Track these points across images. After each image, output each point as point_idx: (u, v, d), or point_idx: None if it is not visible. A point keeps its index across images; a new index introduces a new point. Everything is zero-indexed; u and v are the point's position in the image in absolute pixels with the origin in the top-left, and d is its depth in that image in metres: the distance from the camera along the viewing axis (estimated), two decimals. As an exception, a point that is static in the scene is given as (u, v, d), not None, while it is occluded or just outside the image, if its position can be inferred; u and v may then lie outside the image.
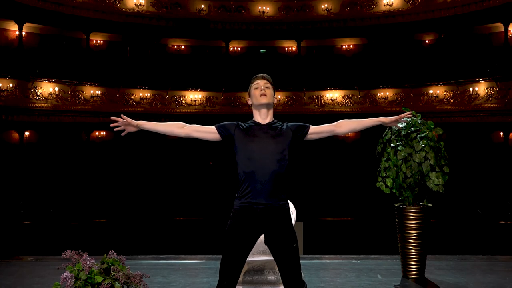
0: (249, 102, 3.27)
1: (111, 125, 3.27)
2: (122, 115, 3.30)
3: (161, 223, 15.39)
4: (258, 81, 3.27)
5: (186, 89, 20.91)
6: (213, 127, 3.27)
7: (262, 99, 3.19)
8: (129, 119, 3.26)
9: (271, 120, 3.24)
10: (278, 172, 3.13)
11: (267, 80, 3.28)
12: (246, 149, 3.14)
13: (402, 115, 3.45)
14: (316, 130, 3.29)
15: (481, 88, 18.35)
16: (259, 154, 3.11)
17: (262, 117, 3.22)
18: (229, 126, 3.24)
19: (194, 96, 20.90)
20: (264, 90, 3.21)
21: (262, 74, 3.31)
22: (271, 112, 3.24)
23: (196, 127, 3.29)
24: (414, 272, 5.18)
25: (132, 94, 20.30)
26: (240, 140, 3.16)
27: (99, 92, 19.64)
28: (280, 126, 3.23)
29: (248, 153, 3.13)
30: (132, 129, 3.27)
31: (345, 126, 3.32)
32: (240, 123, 3.26)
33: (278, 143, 3.15)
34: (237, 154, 3.18)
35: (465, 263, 5.90)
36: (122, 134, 3.29)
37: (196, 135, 3.28)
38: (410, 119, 5.22)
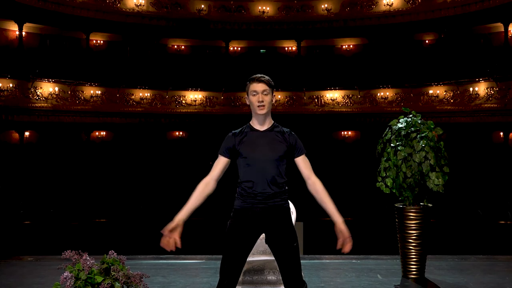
0: (247, 102, 3.26)
1: (163, 245, 3.14)
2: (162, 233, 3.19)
3: (161, 223, 15.37)
4: (256, 86, 3.17)
5: (186, 89, 20.89)
6: (220, 156, 3.22)
7: (260, 110, 3.16)
8: (169, 229, 3.21)
9: (269, 126, 3.23)
10: (278, 175, 3.16)
11: (265, 83, 3.17)
12: (246, 155, 3.15)
13: (342, 244, 3.19)
14: (300, 163, 3.23)
15: (481, 88, 18.34)
16: (258, 160, 3.13)
17: (260, 123, 3.22)
18: (227, 143, 3.21)
19: (194, 96, 20.89)
20: (262, 100, 3.14)
21: (259, 76, 3.19)
22: (269, 117, 3.24)
23: (215, 172, 3.21)
24: (414, 272, 5.18)
25: (132, 94, 20.29)
26: (241, 147, 3.18)
27: (99, 92, 19.63)
28: (279, 131, 3.22)
29: (248, 159, 3.15)
30: (179, 230, 3.24)
31: (314, 190, 3.19)
32: (236, 132, 3.24)
33: (276, 149, 3.16)
34: (238, 158, 3.21)
35: (465, 263, 5.90)
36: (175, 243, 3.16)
37: (220, 175, 3.23)
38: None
